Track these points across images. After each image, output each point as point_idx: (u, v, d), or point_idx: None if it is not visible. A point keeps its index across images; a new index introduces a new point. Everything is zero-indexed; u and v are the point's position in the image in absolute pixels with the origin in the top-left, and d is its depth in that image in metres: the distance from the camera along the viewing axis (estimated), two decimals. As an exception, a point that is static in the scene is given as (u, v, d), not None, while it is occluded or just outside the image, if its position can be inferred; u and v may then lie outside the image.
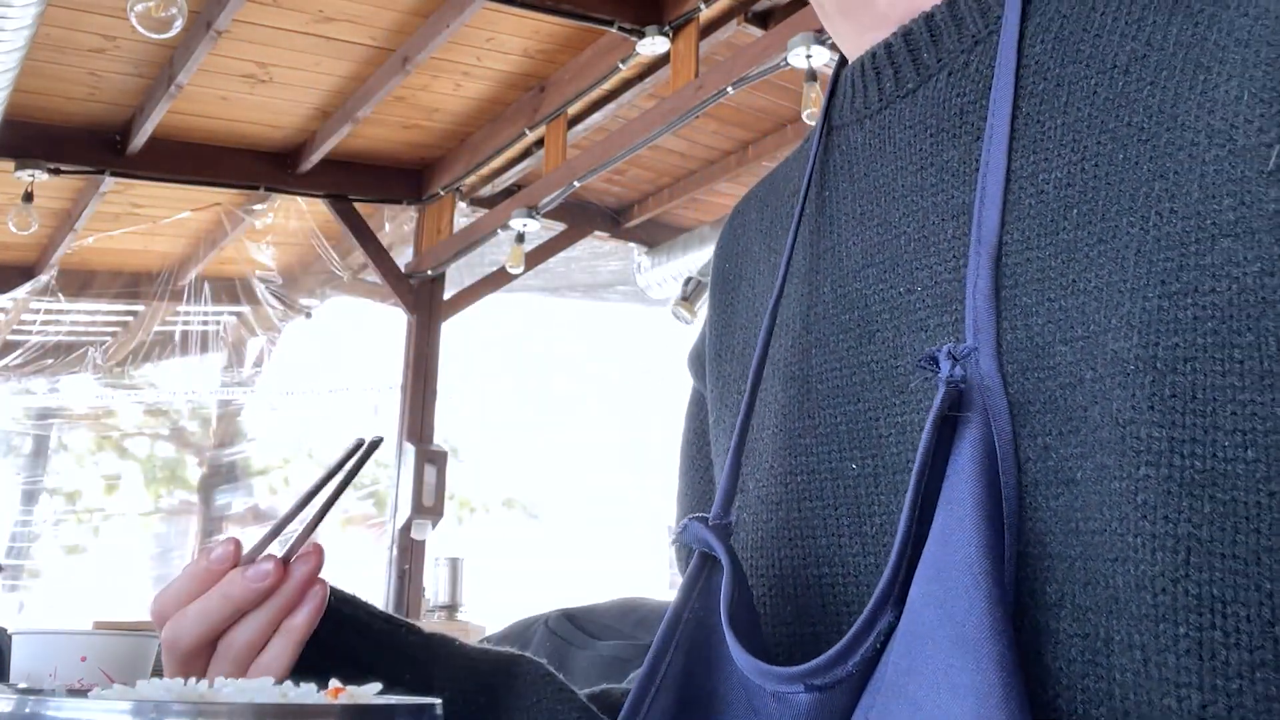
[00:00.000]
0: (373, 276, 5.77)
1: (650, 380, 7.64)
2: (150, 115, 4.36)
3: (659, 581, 5.42)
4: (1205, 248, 0.45)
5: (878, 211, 0.61)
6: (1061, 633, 0.45)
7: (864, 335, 0.59)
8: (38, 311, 6.30)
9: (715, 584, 0.57)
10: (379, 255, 5.47)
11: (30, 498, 7.57)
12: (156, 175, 4.86)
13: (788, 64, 3.35)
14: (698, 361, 0.79)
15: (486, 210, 5.15)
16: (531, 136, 4.64)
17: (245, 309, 6.64)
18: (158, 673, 0.61)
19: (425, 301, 5.53)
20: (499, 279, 5.54)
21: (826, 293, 0.62)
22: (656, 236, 5.71)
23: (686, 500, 0.78)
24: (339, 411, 7.33)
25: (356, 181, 5.24)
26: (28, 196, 4.67)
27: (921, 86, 0.61)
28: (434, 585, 5.21)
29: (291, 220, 5.75)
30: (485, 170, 5.10)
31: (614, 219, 5.68)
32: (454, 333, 5.79)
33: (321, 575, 0.66)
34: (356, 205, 5.34)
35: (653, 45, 3.81)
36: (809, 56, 3.25)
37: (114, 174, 4.73)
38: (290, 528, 0.66)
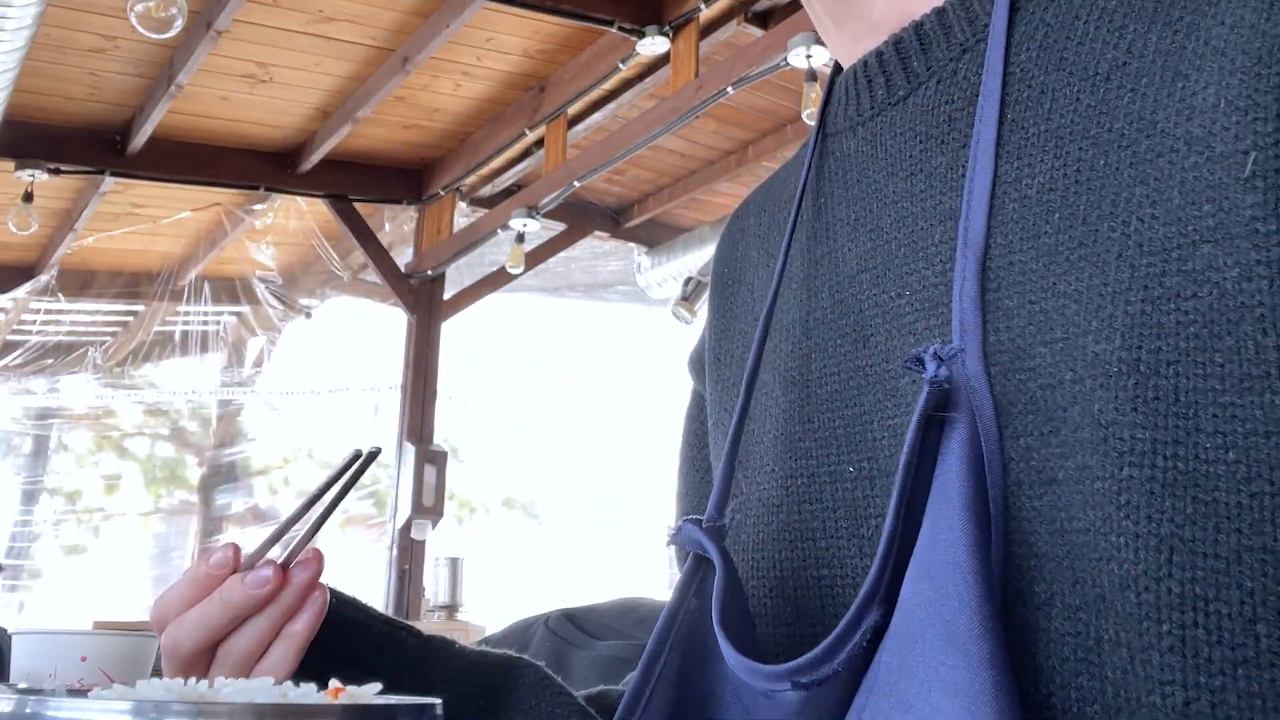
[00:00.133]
0: (373, 276, 5.77)
1: (650, 380, 7.65)
2: (150, 115, 4.37)
3: (659, 581, 5.42)
4: (1187, 253, 0.45)
5: (870, 217, 0.62)
6: (1053, 631, 0.46)
7: (859, 340, 0.60)
8: (38, 311, 6.31)
9: (709, 585, 0.57)
10: (379, 255, 5.47)
11: (30, 498, 7.58)
12: (156, 175, 4.86)
13: (788, 64, 3.36)
14: (698, 364, 0.79)
15: (486, 210, 5.15)
16: (531, 136, 4.65)
17: (245, 309, 6.64)
18: (157, 673, 0.61)
19: (425, 301, 5.53)
20: (499, 279, 5.54)
21: (824, 298, 0.63)
22: (656, 236, 5.71)
23: (685, 501, 0.79)
24: (339, 411, 7.33)
25: (356, 181, 5.24)
26: (28, 196, 4.67)
27: (912, 94, 0.61)
28: (434, 585, 5.21)
29: (291, 220, 5.76)
30: (485, 170, 5.10)
31: (614, 219, 5.69)
32: (454, 333, 5.79)
33: (321, 579, 0.66)
34: (356, 205, 5.35)
35: (653, 45, 3.82)
36: (809, 56, 3.25)
37: (114, 174, 4.73)
38: (290, 533, 0.66)
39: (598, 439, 8.81)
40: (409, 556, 5.20)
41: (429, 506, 5.23)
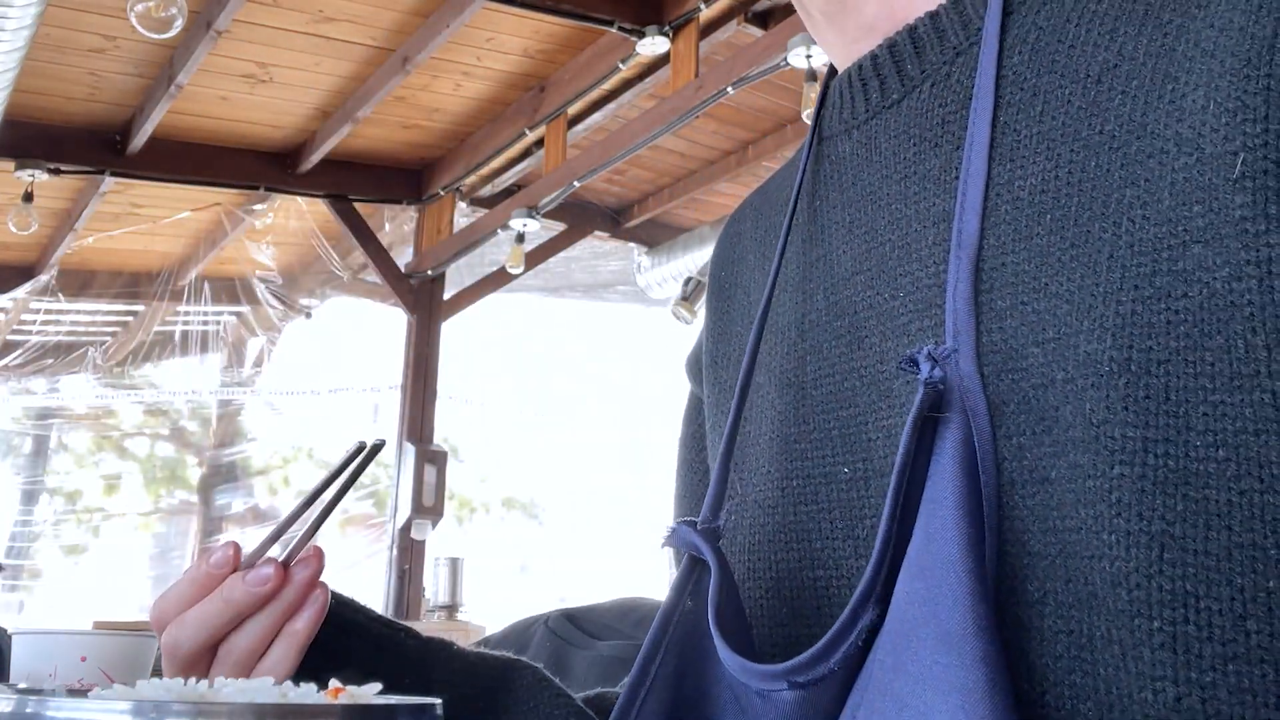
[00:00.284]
0: (373, 276, 5.77)
1: (650, 380, 7.65)
2: (150, 115, 4.37)
3: (659, 581, 5.42)
4: (1177, 253, 0.46)
5: (865, 220, 0.62)
6: (1046, 630, 0.46)
7: (854, 342, 0.60)
8: (38, 311, 6.31)
9: (704, 586, 0.57)
10: (379, 255, 5.47)
11: (30, 498, 7.58)
12: (156, 175, 4.86)
13: (788, 64, 3.36)
14: (695, 367, 0.80)
15: (486, 210, 5.15)
16: (531, 136, 4.65)
17: (245, 309, 6.64)
18: (157, 673, 0.61)
19: (425, 301, 5.53)
20: (499, 279, 5.54)
21: (820, 301, 0.63)
22: (656, 236, 5.71)
23: (683, 504, 0.79)
24: (339, 411, 7.34)
25: (356, 181, 5.24)
26: (28, 196, 4.67)
27: (906, 97, 0.62)
28: (434, 585, 5.21)
29: (291, 220, 5.76)
30: (485, 170, 5.10)
31: (614, 219, 5.69)
32: (454, 333, 5.79)
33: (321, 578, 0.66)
34: (356, 205, 5.35)
35: (653, 45, 3.82)
36: (809, 56, 3.25)
37: (114, 174, 4.73)
38: (291, 531, 0.66)
39: (598, 439, 8.82)
40: (409, 556, 5.20)
41: (429, 506, 5.23)
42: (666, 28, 3.80)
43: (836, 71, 0.69)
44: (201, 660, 0.64)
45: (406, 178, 5.36)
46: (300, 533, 0.65)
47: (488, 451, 9.11)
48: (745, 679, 0.51)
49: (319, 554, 0.65)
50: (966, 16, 0.60)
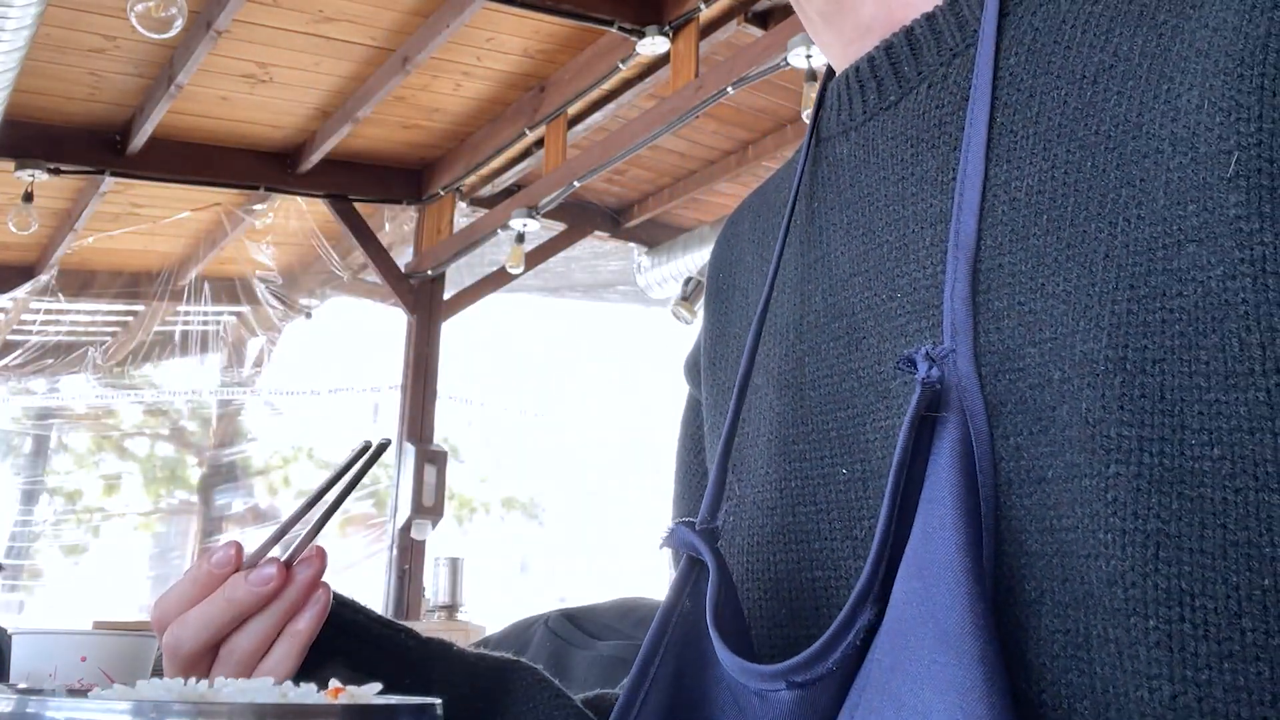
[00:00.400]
0: (373, 276, 5.77)
1: (650, 380, 7.65)
2: (150, 115, 4.37)
3: (659, 581, 5.42)
4: (1172, 253, 0.46)
5: (862, 221, 0.62)
6: (1043, 629, 0.46)
7: (852, 343, 0.60)
8: (38, 311, 6.31)
9: (703, 587, 0.57)
10: (379, 255, 5.47)
11: (30, 498, 7.58)
12: (156, 175, 4.86)
13: (788, 64, 3.36)
14: (693, 369, 0.80)
15: (486, 210, 5.15)
16: (531, 136, 4.65)
17: (245, 309, 6.64)
18: (158, 673, 0.61)
19: (425, 301, 5.53)
20: (499, 279, 5.54)
21: (818, 302, 0.64)
22: (656, 236, 5.71)
23: (682, 504, 0.79)
24: (339, 411, 7.33)
25: (356, 181, 5.25)
26: (28, 196, 4.67)
27: (903, 99, 0.62)
28: (434, 585, 5.21)
29: (291, 220, 5.76)
30: (485, 170, 5.11)
31: (614, 219, 5.69)
32: (454, 333, 5.80)
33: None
34: (356, 205, 5.35)
35: (653, 45, 3.82)
36: (809, 56, 3.26)
37: (114, 174, 4.73)
38: (293, 530, 0.66)
39: (598, 439, 8.82)
40: (409, 556, 5.20)
41: (429, 506, 5.24)
42: (666, 28, 3.80)
43: (835, 73, 0.69)
44: (203, 660, 0.63)
45: (406, 178, 5.36)
46: (304, 531, 0.65)
47: (488, 451, 9.11)
48: (743, 679, 0.51)
49: (321, 554, 0.65)
50: (963, 18, 0.60)
